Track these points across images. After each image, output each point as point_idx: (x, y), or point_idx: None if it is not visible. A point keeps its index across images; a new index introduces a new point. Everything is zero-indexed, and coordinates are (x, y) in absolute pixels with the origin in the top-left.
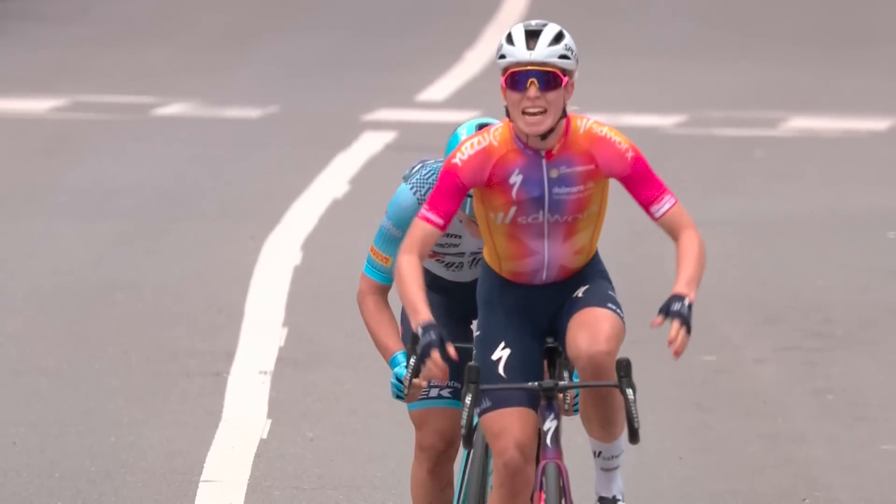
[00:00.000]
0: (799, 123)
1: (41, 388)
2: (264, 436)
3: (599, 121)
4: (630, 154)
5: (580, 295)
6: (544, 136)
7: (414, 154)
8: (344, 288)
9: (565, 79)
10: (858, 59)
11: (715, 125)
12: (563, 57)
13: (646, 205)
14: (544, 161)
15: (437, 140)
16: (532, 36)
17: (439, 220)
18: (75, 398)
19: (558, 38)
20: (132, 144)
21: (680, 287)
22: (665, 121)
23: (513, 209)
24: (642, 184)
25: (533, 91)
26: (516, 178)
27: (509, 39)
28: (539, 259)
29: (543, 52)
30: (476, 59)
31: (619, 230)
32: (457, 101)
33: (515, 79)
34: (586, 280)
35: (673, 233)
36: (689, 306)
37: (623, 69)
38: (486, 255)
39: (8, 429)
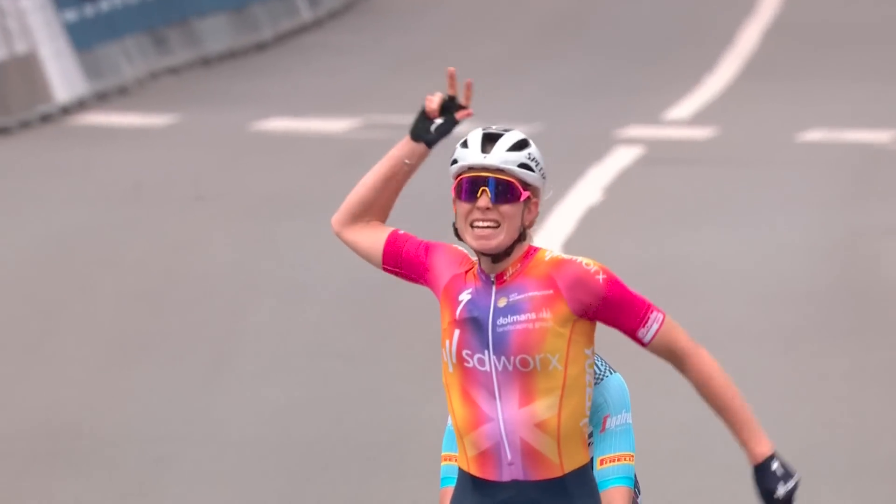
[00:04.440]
0: None
1: (337, 369)
2: None
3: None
4: (601, 276)
5: None
6: (496, 259)
7: (661, 167)
8: None
9: (525, 193)
10: None
11: None
12: (523, 166)
13: (631, 332)
14: (493, 287)
15: (682, 153)
16: (490, 140)
17: (394, 236)
18: (366, 378)
19: (520, 145)
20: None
21: (759, 447)
22: (881, 136)
23: (456, 335)
24: (622, 309)
25: (484, 200)
26: (465, 297)
27: (464, 143)
28: (494, 428)
29: (500, 156)
30: (714, 83)
31: (837, 229)
32: (698, 119)
33: (464, 186)
34: None
35: (672, 358)
36: (790, 476)
37: (846, 91)
38: (458, 448)
39: (310, 403)
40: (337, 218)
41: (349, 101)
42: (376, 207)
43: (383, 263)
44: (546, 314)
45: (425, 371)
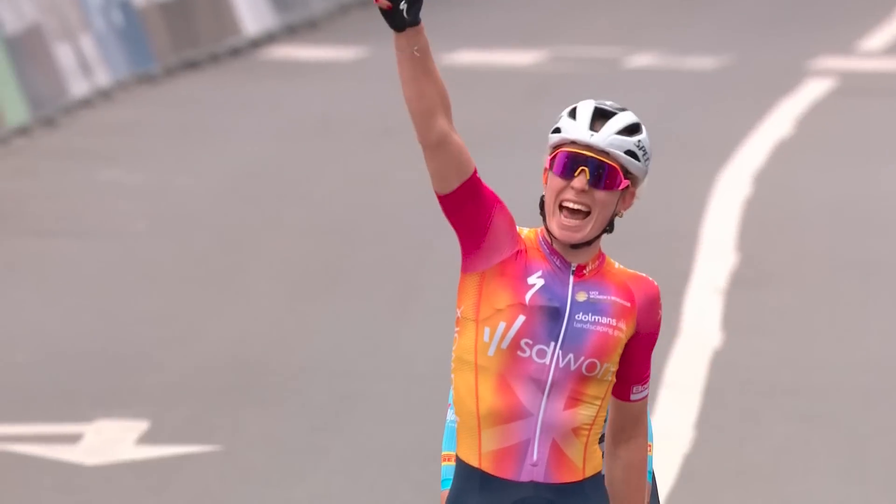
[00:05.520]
0: None
1: None
2: (717, 346)
3: None
4: (660, 311)
5: None
6: (576, 245)
7: (856, 100)
8: (790, 213)
9: (625, 182)
10: None
11: None
12: (630, 153)
13: (630, 381)
14: (572, 278)
15: (876, 85)
16: (601, 116)
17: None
18: None
19: (632, 129)
20: (601, 91)
21: None
22: None
23: (519, 321)
24: (642, 356)
25: (580, 181)
26: (537, 280)
27: (572, 114)
28: (531, 424)
29: (608, 138)
30: None
31: None
32: (894, 50)
33: (563, 161)
34: None
35: (625, 425)
36: None
37: None
38: (461, 439)
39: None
40: (428, 126)
41: (536, 33)
42: (439, 98)
43: (462, 186)
44: (623, 325)
45: None
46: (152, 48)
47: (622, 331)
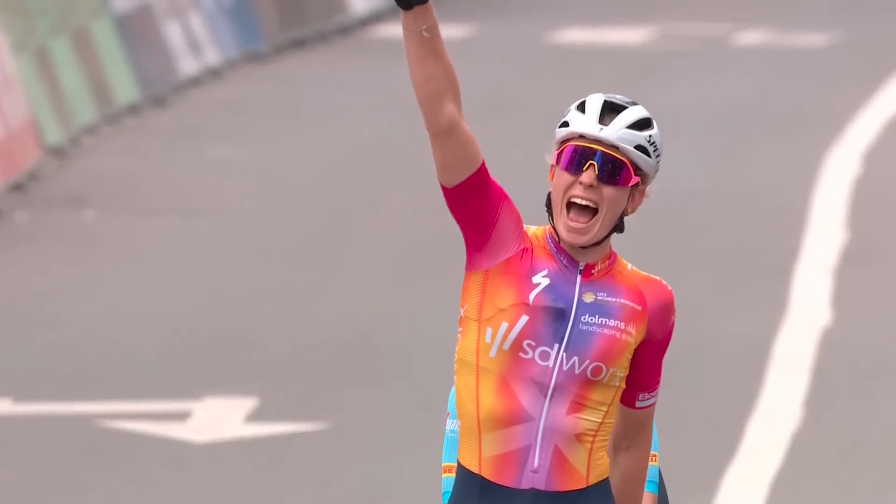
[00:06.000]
0: None
1: None
2: (827, 325)
3: None
4: (674, 317)
5: None
6: (585, 246)
7: None
8: None
9: (635, 178)
10: None
11: None
12: (640, 149)
13: (637, 388)
14: (579, 278)
15: None
16: (610, 110)
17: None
18: None
19: (643, 124)
20: (710, 69)
21: None
22: None
23: (521, 322)
24: (651, 363)
25: (588, 176)
26: (542, 280)
27: (581, 107)
28: (532, 429)
29: (617, 132)
30: None
31: None
32: None
33: (570, 155)
34: None
35: (628, 432)
36: None
37: None
38: (462, 444)
39: None
40: (437, 111)
41: (645, 10)
42: (448, 82)
43: (469, 179)
44: (632, 329)
45: (720, 285)
46: (261, 27)
47: (631, 335)
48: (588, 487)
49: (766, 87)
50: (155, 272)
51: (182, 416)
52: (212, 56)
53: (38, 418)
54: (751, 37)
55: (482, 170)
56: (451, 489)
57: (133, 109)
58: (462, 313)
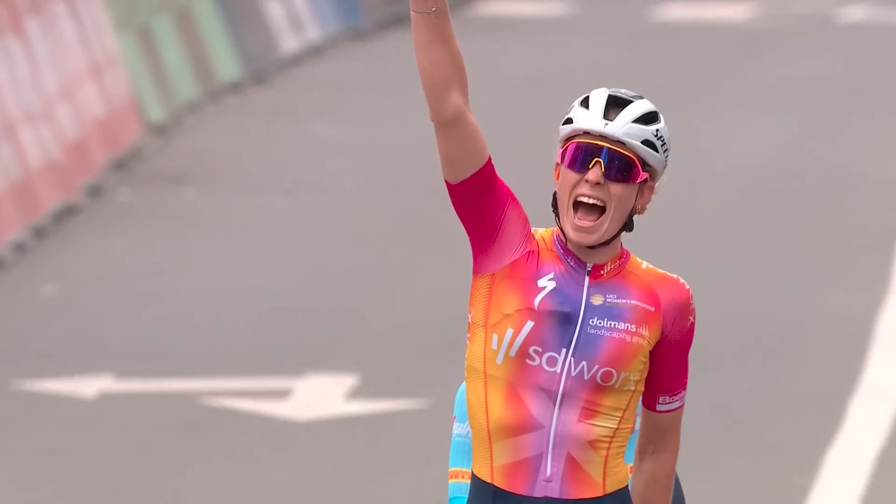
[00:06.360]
0: None
1: (734, 259)
2: None
3: None
4: (693, 317)
5: None
6: (593, 246)
7: None
8: None
9: (643, 174)
10: None
11: None
12: (648, 144)
13: (657, 391)
14: (587, 279)
15: None
16: (615, 104)
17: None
18: (764, 268)
19: (650, 118)
20: (813, 45)
21: None
22: None
23: (527, 328)
24: (670, 364)
25: (595, 173)
26: (548, 283)
27: (584, 102)
28: (543, 437)
29: (623, 127)
30: None
31: None
32: None
33: (575, 153)
34: None
35: (651, 437)
36: None
37: None
38: (475, 453)
39: (705, 294)
40: (443, 100)
41: None
42: (456, 70)
43: (475, 175)
44: (644, 331)
45: (826, 261)
46: (362, 4)
47: (643, 337)
48: (605, 496)
49: (869, 63)
50: (256, 250)
51: (283, 394)
52: (313, 33)
53: (140, 395)
54: (855, 13)
55: (488, 166)
56: (457, 495)
57: (235, 87)
58: (469, 319)
